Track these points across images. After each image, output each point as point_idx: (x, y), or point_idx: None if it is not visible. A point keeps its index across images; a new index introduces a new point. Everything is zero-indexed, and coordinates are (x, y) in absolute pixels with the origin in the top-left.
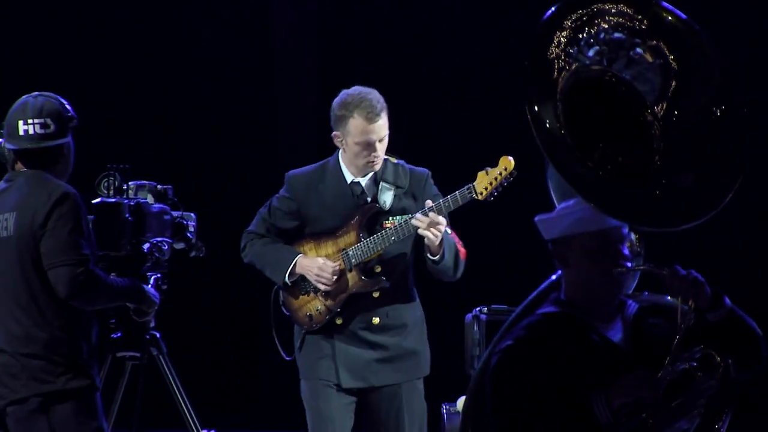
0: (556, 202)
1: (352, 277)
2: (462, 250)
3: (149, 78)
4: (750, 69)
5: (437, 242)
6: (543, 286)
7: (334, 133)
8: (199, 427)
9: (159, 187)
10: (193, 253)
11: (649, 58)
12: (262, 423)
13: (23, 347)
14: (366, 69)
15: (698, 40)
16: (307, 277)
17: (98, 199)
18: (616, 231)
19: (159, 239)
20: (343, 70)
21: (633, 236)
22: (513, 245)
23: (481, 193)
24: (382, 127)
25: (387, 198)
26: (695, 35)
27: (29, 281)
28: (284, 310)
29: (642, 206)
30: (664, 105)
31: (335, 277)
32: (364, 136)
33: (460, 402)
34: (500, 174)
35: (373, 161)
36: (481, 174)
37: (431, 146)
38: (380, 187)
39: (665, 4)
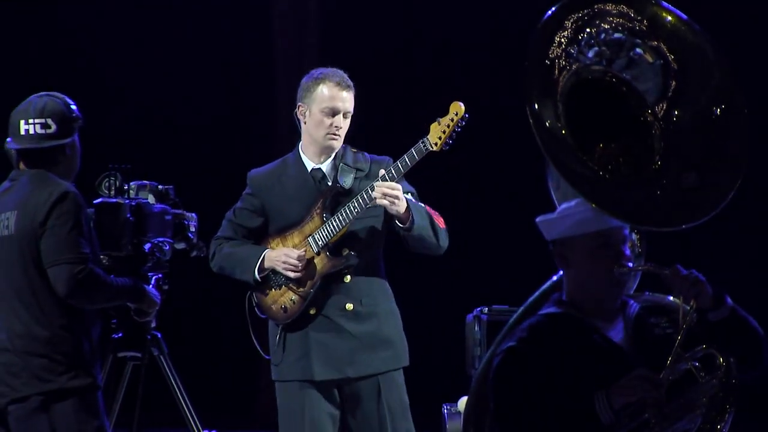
0: (557, 202)
1: (320, 260)
2: (439, 219)
3: (150, 78)
4: (751, 69)
5: (399, 209)
6: (544, 286)
7: (298, 104)
8: (200, 427)
9: (160, 187)
10: (194, 253)
11: (650, 59)
12: (262, 423)
13: (25, 345)
14: (366, 69)
15: (698, 40)
16: (276, 268)
17: (99, 200)
18: (617, 231)
19: (160, 239)
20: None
21: (634, 236)
22: (514, 245)
23: (436, 144)
24: (349, 99)
25: (347, 179)
26: (695, 35)
27: (30, 280)
28: (258, 313)
29: (643, 206)
30: (665, 105)
31: (302, 263)
32: (331, 102)
33: (461, 402)
34: (452, 120)
35: (334, 133)
36: (433, 125)
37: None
38: (340, 168)
39: (665, 4)
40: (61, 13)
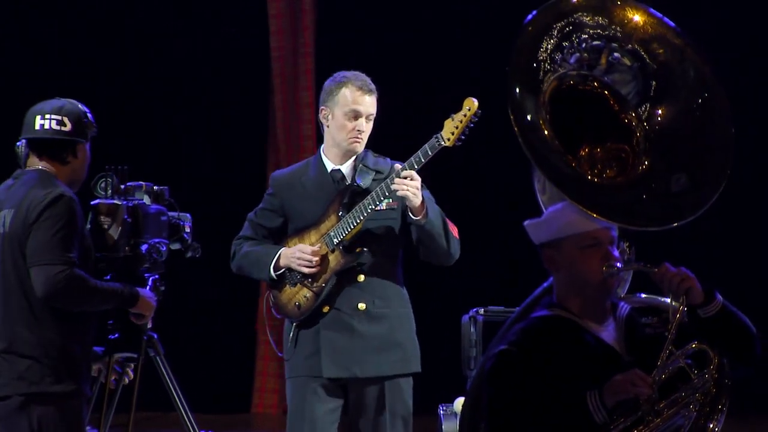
0: (543, 206)
1: (334, 257)
2: (453, 228)
3: (147, 79)
4: (744, 66)
5: (416, 201)
6: (536, 292)
7: (321, 107)
8: (196, 429)
9: (156, 188)
10: (189, 254)
11: (628, 62)
12: (259, 424)
13: (11, 347)
14: (364, 69)
15: (671, 35)
16: (291, 264)
17: (96, 201)
18: (604, 232)
19: (156, 240)
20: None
21: (624, 244)
22: (509, 247)
23: (449, 139)
24: (372, 104)
25: (366, 180)
26: (666, 30)
27: (21, 280)
28: (275, 312)
29: (629, 207)
30: (647, 106)
31: (316, 258)
32: (353, 105)
33: (457, 403)
34: (464, 116)
35: (356, 137)
36: (447, 121)
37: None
38: (359, 169)
39: (634, 4)
40: (59, 13)
